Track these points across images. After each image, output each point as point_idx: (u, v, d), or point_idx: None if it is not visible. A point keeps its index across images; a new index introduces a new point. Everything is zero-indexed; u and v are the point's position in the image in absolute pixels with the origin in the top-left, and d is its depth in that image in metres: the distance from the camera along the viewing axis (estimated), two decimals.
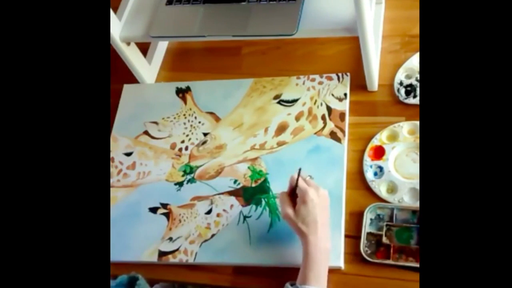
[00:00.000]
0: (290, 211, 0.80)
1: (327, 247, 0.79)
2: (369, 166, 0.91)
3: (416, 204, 0.85)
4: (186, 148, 1.01)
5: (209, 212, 0.93)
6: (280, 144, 0.96)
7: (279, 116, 0.99)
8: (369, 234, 0.85)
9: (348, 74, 0.99)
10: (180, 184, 0.97)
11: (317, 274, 0.76)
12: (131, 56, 1.04)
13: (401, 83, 0.96)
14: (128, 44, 1.03)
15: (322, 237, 0.78)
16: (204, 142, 1.00)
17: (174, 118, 1.05)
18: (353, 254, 0.84)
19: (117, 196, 0.99)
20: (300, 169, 0.83)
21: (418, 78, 0.95)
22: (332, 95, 0.98)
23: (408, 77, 0.97)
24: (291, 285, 0.77)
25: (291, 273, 0.83)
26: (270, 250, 0.87)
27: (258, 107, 1.01)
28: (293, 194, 0.82)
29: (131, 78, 1.09)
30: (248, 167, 0.95)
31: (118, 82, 1.11)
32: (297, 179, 0.82)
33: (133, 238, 0.93)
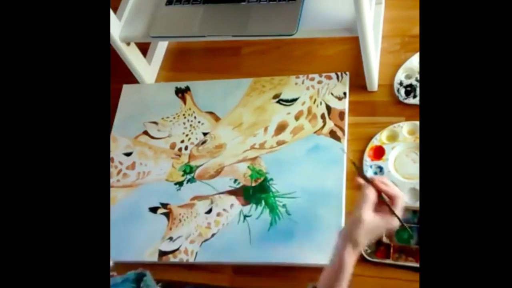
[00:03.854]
0: (369, 215, 0.70)
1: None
2: (369, 166, 0.91)
3: (416, 204, 0.85)
4: (186, 148, 1.01)
5: (209, 211, 0.93)
6: (279, 143, 0.96)
7: (278, 115, 0.99)
8: None
9: (347, 73, 0.99)
10: (180, 183, 0.97)
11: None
12: (131, 56, 1.04)
13: (401, 83, 0.96)
14: (128, 44, 1.03)
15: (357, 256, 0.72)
16: (203, 142, 1.00)
17: (174, 118, 1.05)
18: None
19: (117, 196, 0.99)
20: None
21: (418, 78, 0.95)
22: (332, 94, 0.98)
23: (408, 77, 0.97)
24: None
25: (292, 272, 0.83)
26: (270, 249, 0.87)
27: (257, 107, 1.01)
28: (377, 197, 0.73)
29: (131, 78, 1.09)
30: (248, 167, 0.95)
31: (118, 82, 1.11)
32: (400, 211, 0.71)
33: (133, 238, 0.93)
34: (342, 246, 0.70)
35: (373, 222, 0.70)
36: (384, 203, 0.72)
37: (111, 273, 0.75)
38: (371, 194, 0.71)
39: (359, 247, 0.70)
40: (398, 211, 0.71)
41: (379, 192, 0.72)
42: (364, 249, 0.83)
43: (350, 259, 0.70)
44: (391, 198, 0.72)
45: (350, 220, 0.72)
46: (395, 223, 0.71)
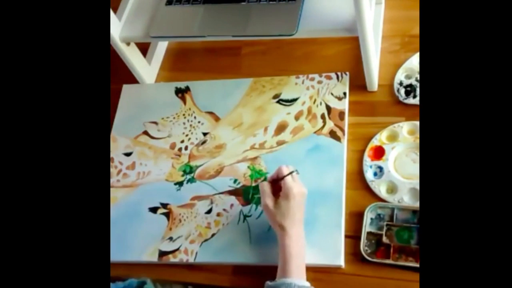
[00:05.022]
0: (270, 202, 0.81)
1: (304, 243, 0.81)
2: (369, 166, 0.91)
3: (416, 204, 0.85)
4: (186, 148, 1.01)
5: (209, 211, 0.93)
6: (279, 143, 0.96)
7: (278, 115, 0.99)
8: (369, 233, 0.85)
9: (347, 73, 0.99)
10: (180, 183, 0.97)
11: (298, 266, 0.78)
12: (131, 56, 1.04)
13: (401, 83, 0.96)
14: (128, 44, 1.03)
15: (299, 232, 0.81)
16: (203, 142, 1.00)
17: (174, 118, 1.05)
18: (353, 254, 0.84)
19: (117, 196, 0.99)
20: (296, 171, 0.84)
21: (418, 78, 0.95)
22: (332, 94, 0.98)
23: (408, 77, 0.97)
24: (271, 281, 0.78)
25: None
26: (270, 249, 0.86)
27: (257, 107, 1.01)
28: (274, 184, 0.84)
29: (131, 78, 1.09)
30: (248, 167, 0.95)
31: (118, 82, 1.11)
32: (286, 174, 0.82)
33: (133, 238, 0.93)
34: (278, 236, 0.81)
35: (276, 204, 0.81)
36: (274, 183, 0.84)
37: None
38: (263, 186, 0.83)
39: (285, 227, 0.80)
40: (283, 173, 0.82)
41: (272, 181, 0.84)
42: (364, 250, 0.83)
43: (284, 241, 0.79)
44: (277, 174, 0.84)
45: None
46: (288, 184, 0.81)
